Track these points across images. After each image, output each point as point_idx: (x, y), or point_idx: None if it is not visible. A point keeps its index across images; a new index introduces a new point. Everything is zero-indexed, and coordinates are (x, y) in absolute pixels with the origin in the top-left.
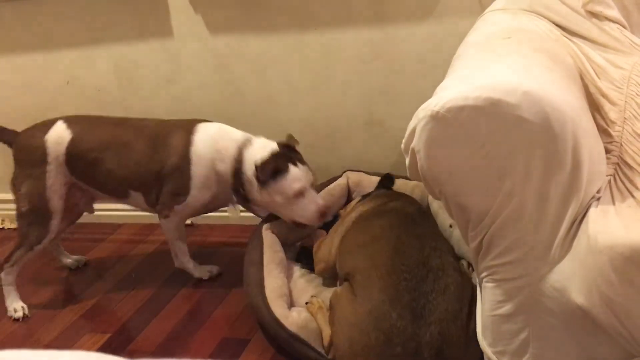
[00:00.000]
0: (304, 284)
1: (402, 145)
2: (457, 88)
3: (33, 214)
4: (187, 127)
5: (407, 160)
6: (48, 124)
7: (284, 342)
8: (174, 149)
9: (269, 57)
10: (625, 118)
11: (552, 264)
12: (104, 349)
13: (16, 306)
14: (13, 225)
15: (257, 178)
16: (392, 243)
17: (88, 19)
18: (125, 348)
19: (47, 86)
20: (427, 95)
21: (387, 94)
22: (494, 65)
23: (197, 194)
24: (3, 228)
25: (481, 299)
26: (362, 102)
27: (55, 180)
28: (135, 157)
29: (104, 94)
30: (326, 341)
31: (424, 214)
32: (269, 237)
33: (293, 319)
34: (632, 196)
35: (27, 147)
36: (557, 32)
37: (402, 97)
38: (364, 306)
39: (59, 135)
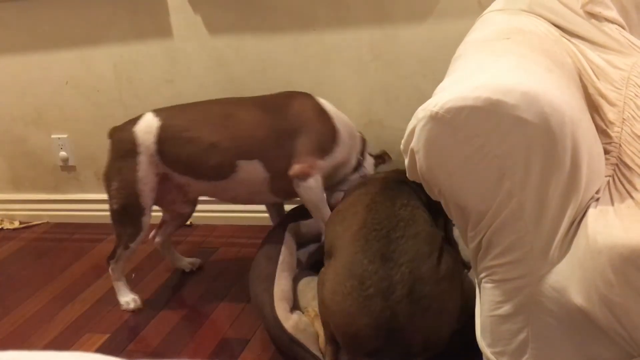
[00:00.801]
0: (305, 284)
1: (402, 146)
2: (456, 88)
3: (124, 211)
4: (302, 93)
5: (406, 161)
6: (138, 117)
7: (283, 344)
8: (302, 105)
9: (269, 57)
10: (624, 119)
11: (551, 264)
12: (103, 349)
13: (127, 299)
14: (12, 226)
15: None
16: (365, 203)
17: (87, 19)
18: (124, 348)
19: (47, 86)
20: (427, 95)
21: (386, 94)
22: (493, 65)
23: (342, 149)
24: (2, 228)
25: (480, 300)
26: (362, 102)
27: (147, 172)
28: (246, 123)
29: (103, 94)
30: (322, 344)
31: (403, 183)
32: (289, 238)
33: (294, 321)
34: (631, 197)
35: (117, 140)
36: (556, 32)
37: (401, 97)
38: (340, 261)
39: (148, 124)
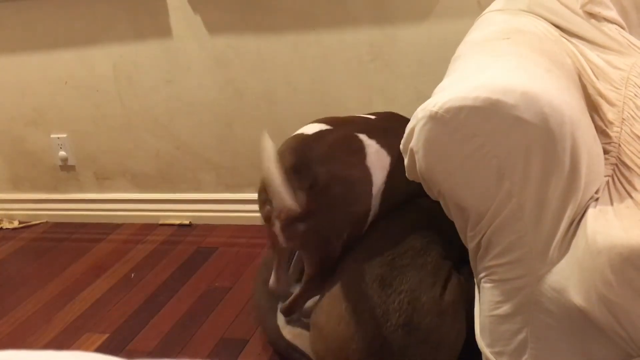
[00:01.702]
0: None
1: (401, 146)
2: (455, 88)
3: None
4: None
5: (406, 161)
6: (353, 144)
7: (281, 349)
8: None
9: (268, 57)
10: (623, 119)
11: (551, 264)
12: (103, 349)
13: None
14: (12, 226)
15: None
16: (382, 225)
17: (87, 19)
18: (123, 348)
19: (46, 86)
20: (426, 95)
21: (386, 94)
22: (492, 65)
23: None
24: (2, 228)
25: (479, 300)
26: (362, 102)
27: (371, 218)
28: None
29: (103, 94)
30: None
31: (436, 217)
32: None
33: (291, 327)
34: (631, 197)
35: (349, 183)
36: (556, 32)
37: (401, 97)
38: (340, 279)
39: (380, 157)
